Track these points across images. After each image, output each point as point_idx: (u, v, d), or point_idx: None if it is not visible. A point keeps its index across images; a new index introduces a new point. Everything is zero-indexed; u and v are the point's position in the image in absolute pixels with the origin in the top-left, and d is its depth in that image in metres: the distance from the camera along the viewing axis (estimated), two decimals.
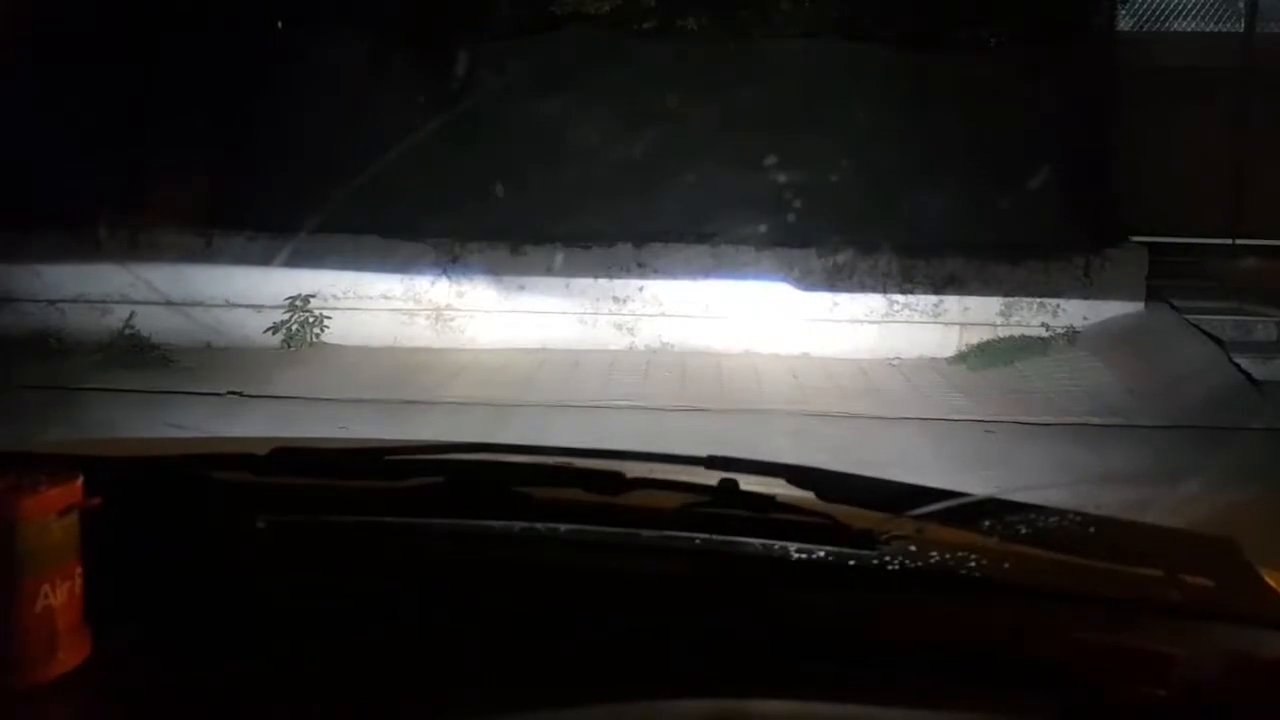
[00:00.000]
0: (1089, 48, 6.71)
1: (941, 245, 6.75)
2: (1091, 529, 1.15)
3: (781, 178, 6.57)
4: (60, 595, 0.77)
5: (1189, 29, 7.38)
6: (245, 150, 6.45)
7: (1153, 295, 6.83)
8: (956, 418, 5.51)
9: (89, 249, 6.64)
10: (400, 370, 6.16)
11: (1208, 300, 6.87)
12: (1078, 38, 6.67)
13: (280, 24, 6.88)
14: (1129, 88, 6.79)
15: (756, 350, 6.60)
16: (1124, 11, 7.32)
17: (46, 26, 6.46)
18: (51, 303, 6.56)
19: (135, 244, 6.64)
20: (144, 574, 0.88)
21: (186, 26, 6.41)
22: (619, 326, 6.73)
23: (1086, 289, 6.75)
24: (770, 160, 6.46)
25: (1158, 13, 7.40)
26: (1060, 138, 6.49)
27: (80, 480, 0.80)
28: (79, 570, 0.79)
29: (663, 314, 6.72)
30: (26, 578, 0.75)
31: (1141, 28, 7.38)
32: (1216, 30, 7.40)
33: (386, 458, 1.12)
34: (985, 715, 0.80)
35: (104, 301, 6.57)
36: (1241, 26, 7.39)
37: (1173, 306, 6.78)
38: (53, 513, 0.76)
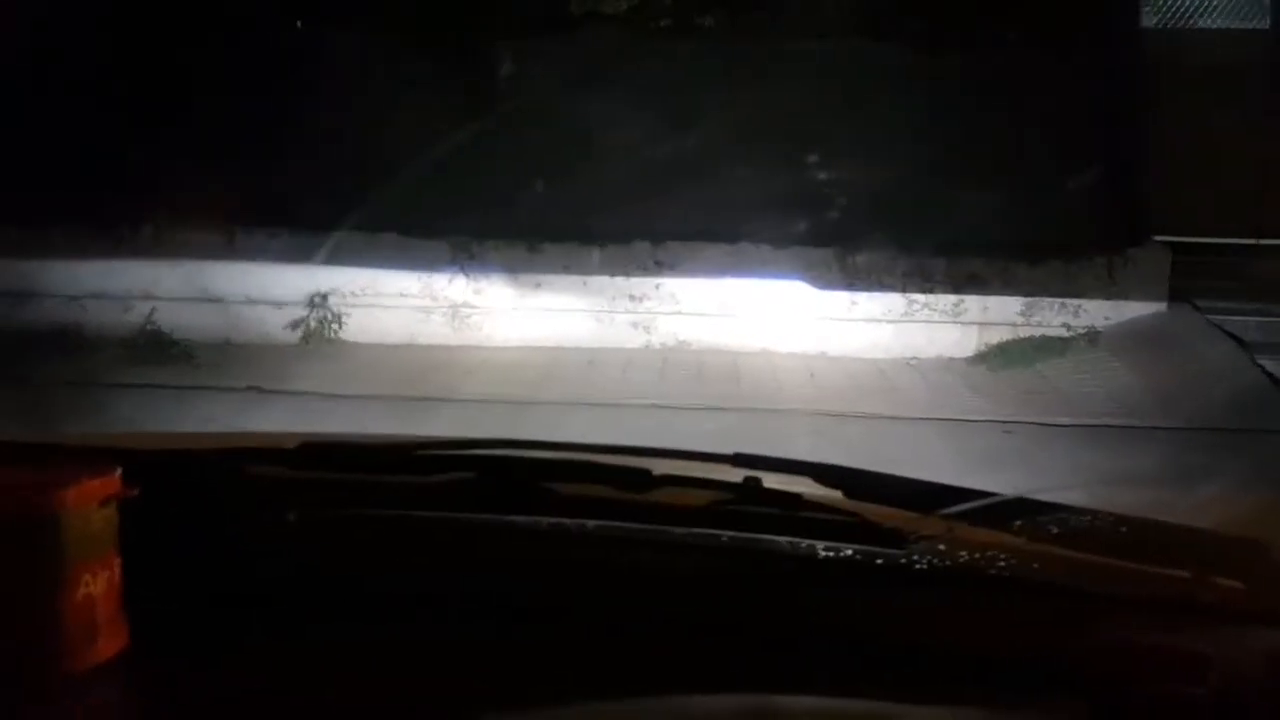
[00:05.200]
0: (1111, 45, 6.64)
1: (962, 244, 6.71)
2: (1121, 529, 1.14)
3: (800, 177, 6.55)
4: (100, 584, 0.78)
5: (1214, 26, 7.30)
6: (267, 148, 6.49)
7: (1175, 295, 6.76)
8: (975, 418, 5.48)
9: (111, 245, 6.70)
10: (416, 367, 6.18)
11: (1231, 301, 6.80)
12: (1100, 35, 6.61)
13: (301, 23, 6.92)
14: (1153, 85, 6.72)
15: (774, 349, 6.58)
16: (1149, 8, 7.25)
17: (70, 20, 6.52)
18: (73, 298, 6.61)
19: (158, 240, 6.70)
20: (179, 565, 0.89)
21: (210, 23, 6.46)
22: (635, 324, 6.73)
23: (1108, 289, 6.69)
24: (789, 159, 6.45)
25: (1183, 9, 7.32)
26: (1082, 136, 6.44)
27: (119, 472, 0.81)
28: (117, 560, 0.80)
29: (679, 312, 6.71)
30: (68, 566, 0.76)
31: (1166, 24, 7.30)
32: (1242, 27, 7.32)
33: (417, 453, 1.13)
34: (1014, 714, 0.80)
35: (126, 297, 6.63)
36: (1268, 24, 7.31)
37: (1196, 307, 6.72)
38: (93, 503, 0.78)
